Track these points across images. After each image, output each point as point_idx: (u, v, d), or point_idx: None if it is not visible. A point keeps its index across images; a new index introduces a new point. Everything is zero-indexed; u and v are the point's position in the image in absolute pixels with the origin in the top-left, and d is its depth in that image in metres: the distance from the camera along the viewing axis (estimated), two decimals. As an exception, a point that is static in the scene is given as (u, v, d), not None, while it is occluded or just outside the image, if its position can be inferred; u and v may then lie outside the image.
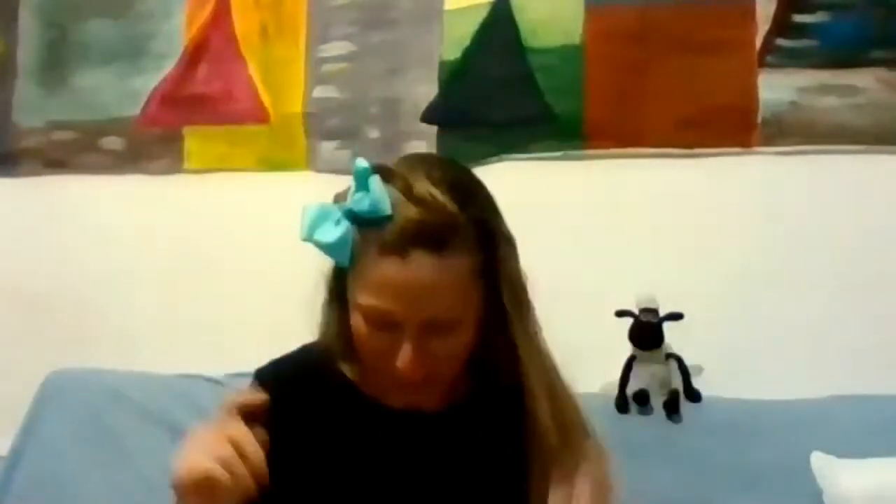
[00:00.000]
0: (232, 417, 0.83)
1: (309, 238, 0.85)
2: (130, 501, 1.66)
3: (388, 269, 0.83)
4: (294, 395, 0.93)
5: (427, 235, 0.83)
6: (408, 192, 0.85)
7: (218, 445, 0.79)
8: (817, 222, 1.69)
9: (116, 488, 1.67)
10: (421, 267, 0.83)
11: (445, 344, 0.87)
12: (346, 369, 0.97)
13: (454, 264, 0.84)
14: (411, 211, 0.84)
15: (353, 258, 0.85)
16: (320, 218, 0.85)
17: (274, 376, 0.96)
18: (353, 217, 0.84)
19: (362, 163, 0.85)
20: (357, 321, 0.88)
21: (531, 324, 0.92)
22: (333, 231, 0.84)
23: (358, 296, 0.87)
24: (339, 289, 0.93)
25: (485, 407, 0.96)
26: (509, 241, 0.91)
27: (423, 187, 0.85)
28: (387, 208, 0.83)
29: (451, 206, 0.84)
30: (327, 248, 0.85)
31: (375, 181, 0.84)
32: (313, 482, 0.90)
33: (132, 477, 1.68)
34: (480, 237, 0.87)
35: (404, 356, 0.85)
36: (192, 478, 0.78)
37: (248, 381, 0.99)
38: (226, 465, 0.77)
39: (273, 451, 0.83)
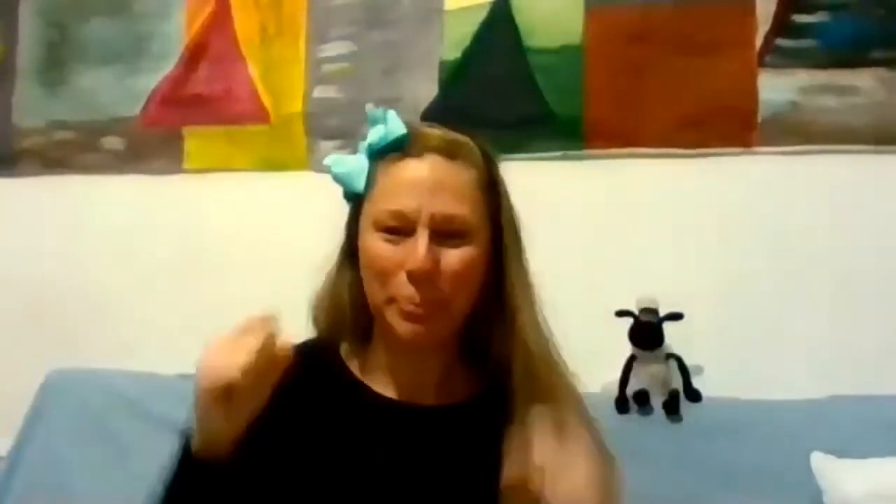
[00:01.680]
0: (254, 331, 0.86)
1: (327, 169, 0.95)
2: (130, 501, 1.66)
3: (404, 169, 0.92)
4: (297, 380, 0.93)
5: (440, 146, 0.93)
6: (422, 127, 0.97)
7: (235, 349, 0.85)
8: (817, 222, 1.69)
9: (116, 488, 1.67)
10: (434, 164, 0.91)
11: (456, 253, 0.90)
12: (351, 363, 0.99)
13: (464, 170, 0.93)
14: (427, 132, 0.95)
15: (370, 182, 0.93)
16: (339, 158, 0.95)
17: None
18: (371, 150, 0.94)
19: (377, 108, 0.94)
20: (370, 240, 0.92)
21: (525, 263, 0.97)
22: (350, 161, 0.94)
23: (373, 210, 0.92)
24: (350, 248, 0.97)
25: (483, 407, 0.96)
26: (506, 184, 0.99)
27: (434, 125, 0.97)
28: (402, 128, 0.93)
29: (461, 135, 0.96)
30: (344, 176, 0.94)
31: (391, 114, 0.94)
32: (307, 469, 0.91)
33: (132, 477, 1.68)
34: (486, 160, 0.96)
35: (418, 250, 0.88)
36: (208, 385, 0.84)
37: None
38: (242, 369, 0.82)
39: (269, 433, 0.87)
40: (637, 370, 1.64)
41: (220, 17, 2.06)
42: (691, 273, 1.71)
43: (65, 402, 1.78)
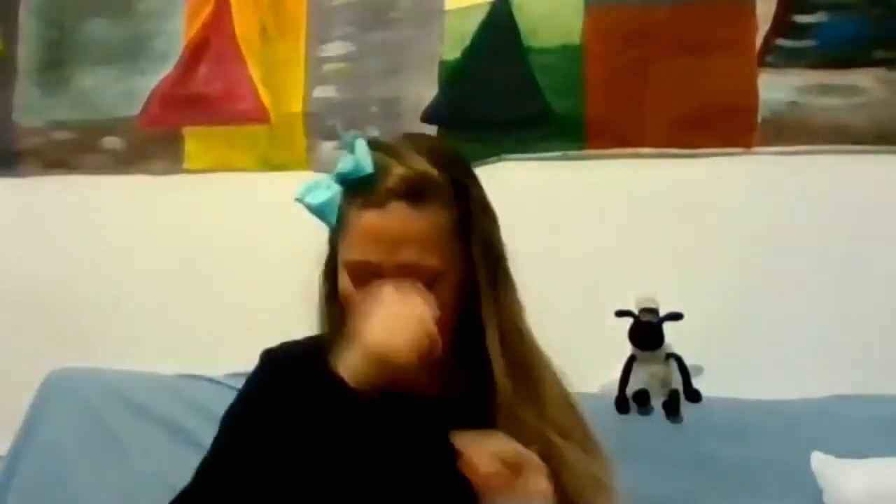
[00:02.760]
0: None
1: (301, 200, 0.93)
2: (130, 501, 1.66)
3: (368, 221, 0.90)
4: (298, 377, 0.93)
5: (405, 190, 0.90)
6: (391, 155, 0.92)
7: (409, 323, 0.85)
8: (817, 222, 1.69)
9: (116, 488, 1.68)
10: (397, 215, 0.89)
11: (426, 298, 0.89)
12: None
13: (429, 215, 0.90)
14: (392, 170, 0.90)
15: (340, 220, 0.92)
16: (314, 185, 0.94)
17: (284, 354, 1.00)
18: (342, 181, 0.92)
19: (349, 133, 0.93)
20: (343, 282, 0.93)
21: (504, 290, 0.96)
22: (322, 193, 0.92)
23: (343, 254, 0.93)
24: (333, 278, 0.97)
25: (471, 402, 0.96)
26: (485, 208, 0.97)
27: (405, 151, 0.93)
28: (369, 166, 0.90)
29: (430, 168, 0.91)
30: (316, 210, 0.93)
31: (360, 144, 0.91)
32: (297, 470, 0.89)
33: (132, 477, 1.68)
34: (456, 196, 0.93)
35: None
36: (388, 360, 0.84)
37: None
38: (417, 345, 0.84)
39: (260, 432, 0.86)
40: (637, 370, 1.63)
41: (220, 17, 2.06)
42: (691, 273, 1.71)
43: (65, 402, 1.78)
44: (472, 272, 0.94)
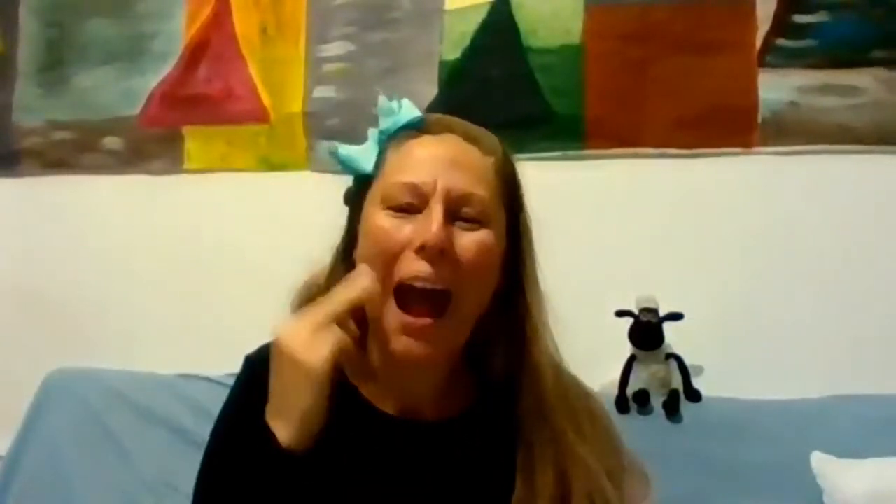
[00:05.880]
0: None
1: (335, 152, 0.89)
2: (130, 501, 1.66)
3: (421, 144, 0.86)
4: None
5: (461, 128, 0.88)
6: (438, 115, 0.91)
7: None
8: (817, 222, 1.69)
9: (116, 488, 1.67)
10: (454, 143, 0.86)
11: (471, 237, 0.82)
12: (347, 372, 0.92)
13: (483, 156, 0.87)
14: (444, 116, 0.90)
15: (380, 164, 0.87)
16: (347, 146, 0.90)
17: (265, 359, 0.87)
18: (383, 136, 0.88)
19: (390, 98, 0.89)
20: (377, 219, 0.83)
21: (538, 273, 0.92)
22: (357, 147, 0.89)
23: (383, 186, 0.85)
24: (348, 247, 0.90)
25: (483, 420, 0.91)
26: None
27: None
28: (417, 112, 0.87)
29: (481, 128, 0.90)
30: (351, 158, 0.88)
31: (406, 102, 0.88)
32: (302, 483, 0.85)
33: (132, 477, 1.68)
34: (504, 153, 0.90)
35: (430, 222, 0.79)
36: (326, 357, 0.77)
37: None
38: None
39: (248, 440, 0.81)
40: (637, 370, 1.64)
41: (220, 17, 2.06)
42: (691, 273, 1.72)
43: (65, 402, 1.78)
44: (514, 243, 0.89)
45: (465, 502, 0.87)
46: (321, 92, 1.98)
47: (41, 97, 2.17)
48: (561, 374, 0.91)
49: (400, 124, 0.87)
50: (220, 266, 1.98)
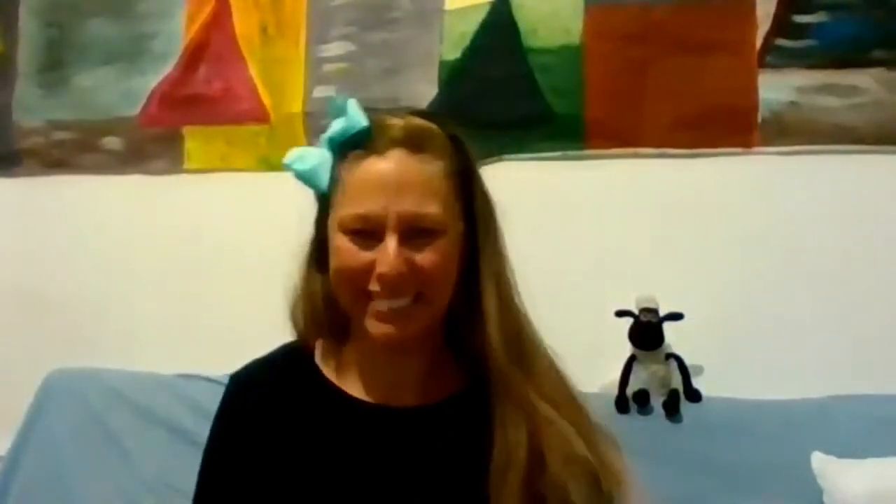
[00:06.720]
0: None
1: (289, 166, 0.92)
2: (130, 501, 1.66)
3: (368, 168, 0.87)
4: (269, 395, 0.94)
5: (404, 138, 0.88)
6: (385, 114, 0.91)
7: None
8: (817, 222, 1.69)
9: (116, 488, 1.68)
10: (399, 161, 0.87)
11: (428, 253, 0.86)
12: (327, 365, 0.96)
13: (430, 164, 0.88)
14: (389, 122, 0.89)
15: (333, 183, 0.89)
16: (303, 151, 0.92)
17: (248, 377, 0.97)
18: (336, 143, 0.89)
19: (337, 97, 0.91)
20: (339, 242, 0.88)
21: (501, 256, 0.93)
22: (312, 159, 0.91)
23: (339, 212, 0.88)
24: (320, 246, 0.93)
25: (465, 402, 0.93)
26: (478, 170, 0.95)
27: (399, 112, 0.92)
28: (364, 120, 0.88)
29: (426, 122, 0.91)
30: (305, 175, 0.91)
31: (352, 103, 0.89)
32: (288, 480, 0.89)
33: (132, 477, 1.68)
34: (454, 147, 0.91)
35: (387, 253, 0.84)
36: None
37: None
38: None
39: (248, 452, 0.87)
40: (637, 370, 1.64)
41: (220, 17, 2.06)
42: (691, 273, 1.72)
43: (65, 402, 1.78)
44: (472, 234, 0.91)
45: (448, 485, 0.89)
46: (321, 92, 1.98)
47: (41, 97, 2.17)
48: (522, 341, 0.93)
49: (346, 136, 0.89)
50: (220, 266, 1.98)
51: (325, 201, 0.92)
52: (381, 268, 0.85)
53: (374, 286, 0.86)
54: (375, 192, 0.86)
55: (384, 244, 0.85)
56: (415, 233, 0.86)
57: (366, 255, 0.86)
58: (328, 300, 0.93)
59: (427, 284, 0.87)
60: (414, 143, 0.88)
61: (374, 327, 0.87)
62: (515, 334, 0.91)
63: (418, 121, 0.91)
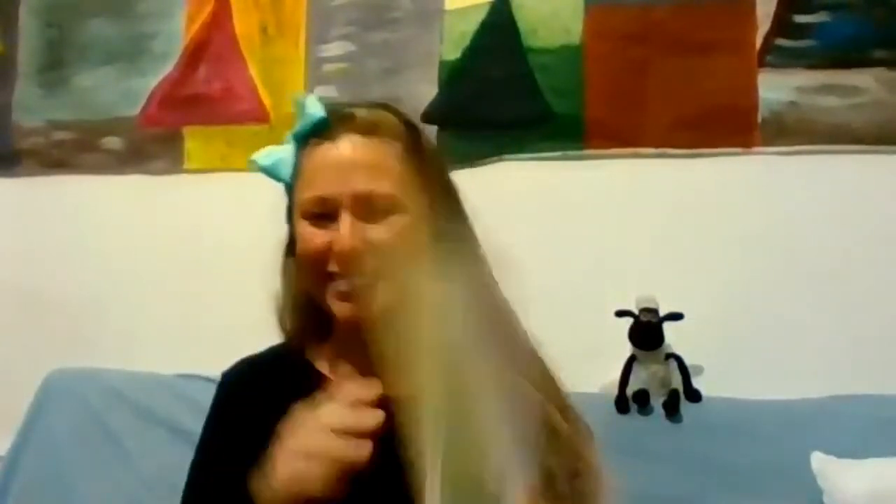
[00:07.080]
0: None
1: (255, 162, 0.96)
2: (130, 501, 1.66)
3: (324, 154, 0.91)
4: (261, 387, 0.95)
5: (356, 123, 0.92)
6: (343, 107, 0.96)
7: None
8: (817, 222, 1.69)
9: (116, 488, 1.68)
10: (349, 144, 0.91)
11: (382, 227, 0.89)
12: (319, 361, 0.98)
13: (382, 146, 0.91)
14: (346, 111, 0.94)
15: (295, 173, 0.93)
16: (270, 149, 0.96)
17: (239, 372, 1.01)
18: (297, 137, 0.94)
19: (300, 96, 0.95)
20: (301, 229, 0.91)
21: (465, 231, 0.94)
22: (276, 154, 0.95)
23: (299, 200, 0.92)
24: (293, 246, 0.95)
25: None
26: (437, 152, 0.99)
27: (356, 105, 0.96)
28: (320, 111, 0.93)
29: (381, 111, 0.95)
30: (269, 169, 0.94)
31: (311, 98, 0.94)
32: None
33: (132, 477, 1.68)
34: (408, 131, 0.94)
35: (340, 231, 0.87)
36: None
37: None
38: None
39: (240, 442, 0.87)
40: (637, 370, 1.64)
41: (220, 17, 2.06)
42: (691, 273, 1.71)
43: (65, 402, 1.78)
44: (433, 214, 0.92)
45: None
46: (321, 92, 1.98)
47: (41, 97, 2.17)
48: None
49: (306, 129, 0.93)
50: (220, 266, 1.98)
51: (291, 194, 0.95)
52: (337, 246, 0.88)
53: (332, 266, 0.88)
54: (329, 173, 0.90)
55: (339, 223, 0.88)
56: (370, 211, 0.89)
57: (324, 236, 0.89)
58: (308, 296, 0.95)
59: (385, 261, 0.88)
60: (366, 127, 0.92)
61: (337, 307, 0.90)
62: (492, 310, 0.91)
63: (373, 108, 0.95)
